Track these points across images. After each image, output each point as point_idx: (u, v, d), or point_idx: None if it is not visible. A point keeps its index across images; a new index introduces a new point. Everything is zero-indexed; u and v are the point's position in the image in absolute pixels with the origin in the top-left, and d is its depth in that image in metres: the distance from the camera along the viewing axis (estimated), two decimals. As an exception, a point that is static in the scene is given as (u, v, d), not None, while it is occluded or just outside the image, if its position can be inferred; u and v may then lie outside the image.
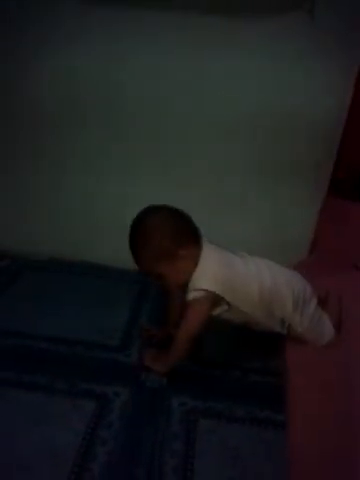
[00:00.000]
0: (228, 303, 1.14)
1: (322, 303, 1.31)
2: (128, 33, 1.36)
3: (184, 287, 1.15)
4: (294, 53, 1.36)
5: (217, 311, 1.16)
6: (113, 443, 1.00)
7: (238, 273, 1.16)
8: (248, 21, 1.33)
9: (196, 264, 1.13)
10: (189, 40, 1.36)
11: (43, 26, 1.37)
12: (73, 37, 1.38)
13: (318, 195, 1.59)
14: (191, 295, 1.12)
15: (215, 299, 1.13)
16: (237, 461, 0.99)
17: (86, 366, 1.22)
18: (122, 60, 1.40)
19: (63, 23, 1.36)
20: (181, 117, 1.46)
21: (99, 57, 1.40)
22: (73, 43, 1.39)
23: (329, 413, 1.09)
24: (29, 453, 0.95)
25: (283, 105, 1.41)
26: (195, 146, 1.50)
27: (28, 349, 1.26)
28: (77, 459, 0.95)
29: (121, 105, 1.46)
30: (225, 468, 0.98)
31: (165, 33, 1.35)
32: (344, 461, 0.96)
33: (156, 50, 1.37)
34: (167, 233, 1.11)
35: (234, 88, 1.41)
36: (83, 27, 1.36)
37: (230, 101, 1.42)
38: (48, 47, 1.40)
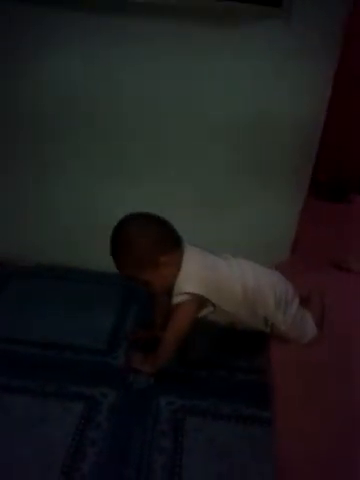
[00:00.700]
0: (213, 304, 1.17)
1: (304, 302, 1.35)
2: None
3: (169, 291, 1.17)
4: (272, 57, 1.39)
5: (203, 313, 1.18)
6: (102, 443, 1.02)
7: (222, 274, 1.19)
8: (224, 30, 1.35)
9: (179, 269, 1.15)
10: (174, 46, 1.37)
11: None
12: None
13: (299, 196, 1.62)
14: (177, 299, 1.14)
15: (200, 301, 1.15)
16: (224, 457, 1.02)
17: (75, 369, 1.23)
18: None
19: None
20: (168, 119, 1.47)
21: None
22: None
23: (312, 409, 1.12)
24: (20, 454, 0.97)
25: (262, 108, 1.44)
26: (176, 148, 1.52)
27: (17, 354, 1.27)
28: (67, 459, 0.97)
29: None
30: (212, 464, 1.00)
31: (154, 38, 1.36)
32: (329, 455, 1.00)
33: (152, 53, 1.38)
34: (148, 242, 1.12)
35: (215, 93, 1.43)
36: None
37: (211, 106, 1.44)
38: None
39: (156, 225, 1.15)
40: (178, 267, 1.15)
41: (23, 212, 1.66)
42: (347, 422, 1.08)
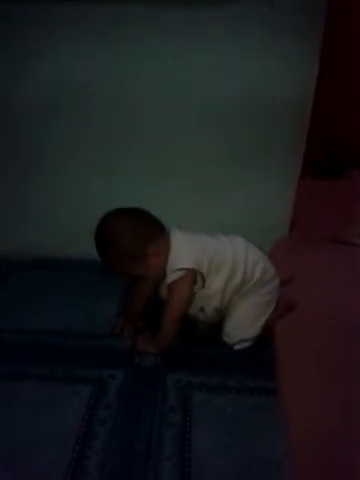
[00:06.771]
0: (203, 278, 1.18)
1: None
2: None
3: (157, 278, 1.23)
4: (257, 39, 1.39)
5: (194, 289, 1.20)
6: (112, 422, 1.04)
7: (211, 247, 1.20)
8: (210, 12, 1.36)
9: (169, 252, 1.17)
10: (160, 28, 1.37)
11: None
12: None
13: (293, 175, 1.62)
14: (171, 277, 1.16)
15: (194, 275, 1.17)
16: (232, 428, 1.04)
17: (82, 354, 1.26)
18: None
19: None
20: (157, 106, 1.48)
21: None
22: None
23: (318, 380, 1.13)
24: (33, 436, 1.00)
25: (250, 89, 1.44)
26: (169, 134, 1.53)
27: (25, 344, 1.30)
28: (79, 439, 0.99)
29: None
30: (221, 435, 1.02)
31: (139, 19, 1.36)
32: (338, 424, 1.01)
33: (136, 35, 1.38)
34: (132, 238, 1.14)
35: (202, 74, 1.43)
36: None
37: (197, 87, 1.45)
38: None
39: (136, 218, 1.17)
40: (167, 252, 1.17)
41: (20, 208, 1.68)
42: (354, 393, 1.09)
